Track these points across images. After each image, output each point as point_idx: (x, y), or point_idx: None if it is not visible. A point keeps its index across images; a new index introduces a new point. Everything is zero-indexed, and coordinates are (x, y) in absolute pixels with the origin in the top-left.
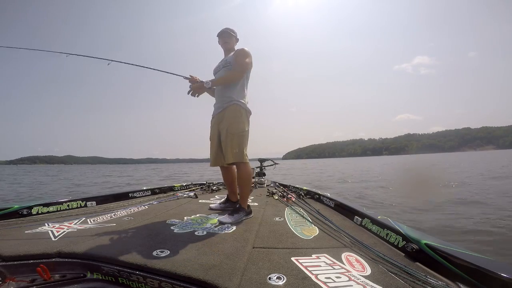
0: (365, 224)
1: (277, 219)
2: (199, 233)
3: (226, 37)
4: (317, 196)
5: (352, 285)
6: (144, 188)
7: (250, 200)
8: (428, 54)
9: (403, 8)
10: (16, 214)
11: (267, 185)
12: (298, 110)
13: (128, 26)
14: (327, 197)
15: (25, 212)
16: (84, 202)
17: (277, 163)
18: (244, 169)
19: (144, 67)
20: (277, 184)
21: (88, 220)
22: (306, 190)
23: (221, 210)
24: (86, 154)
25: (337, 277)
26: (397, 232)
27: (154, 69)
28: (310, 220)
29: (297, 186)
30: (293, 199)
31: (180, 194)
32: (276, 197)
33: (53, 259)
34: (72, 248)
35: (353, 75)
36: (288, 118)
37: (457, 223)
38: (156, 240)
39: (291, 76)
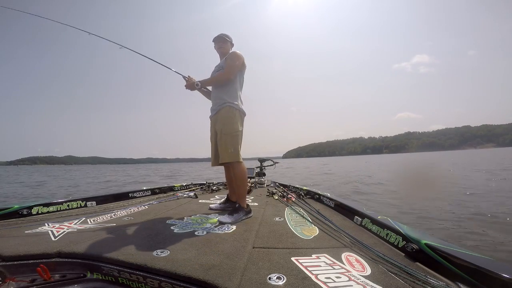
0: (365, 224)
1: (277, 219)
2: (199, 233)
3: (221, 42)
4: (317, 196)
5: (352, 285)
6: (144, 188)
7: (250, 200)
8: (428, 53)
9: (402, 7)
10: (16, 214)
11: (267, 185)
12: (298, 110)
13: (127, 25)
14: (327, 197)
15: (25, 212)
16: (84, 202)
17: (277, 162)
18: (239, 168)
19: (151, 59)
20: (277, 184)
21: (88, 220)
22: (306, 190)
23: (221, 210)
24: (86, 154)
25: (337, 277)
26: (397, 232)
27: (160, 64)
28: (310, 220)
29: (297, 186)
30: (293, 199)
31: (180, 194)
32: (276, 197)
33: (53, 259)
34: (72, 248)
35: (353, 74)
36: (288, 117)
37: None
38: (156, 240)
39: (291, 75)
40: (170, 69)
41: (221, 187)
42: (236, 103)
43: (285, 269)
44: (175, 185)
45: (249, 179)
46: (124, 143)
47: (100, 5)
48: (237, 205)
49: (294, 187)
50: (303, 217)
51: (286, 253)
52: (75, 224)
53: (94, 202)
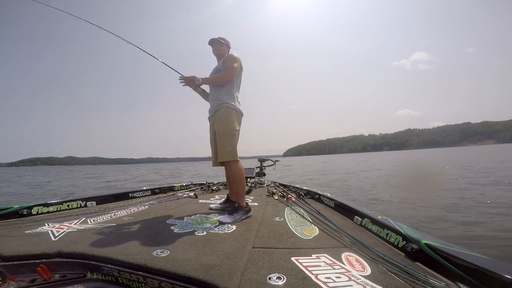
0: (365, 224)
1: (277, 219)
2: (199, 233)
3: (217, 44)
4: (317, 196)
5: (352, 285)
6: (144, 188)
7: (250, 200)
8: (426, 50)
9: (400, 4)
10: (16, 214)
11: (267, 185)
12: (298, 108)
13: (126, 24)
14: (327, 197)
15: (25, 212)
16: (84, 202)
17: (277, 160)
18: (236, 167)
19: (155, 57)
20: (277, 184)
21: (88, 220)
22: (306, 190)
23: (221, 210)
24: (87, 154)
25: (337, 277)
26: (397, 232)
27: (161, 61)
28: (310, 220)
29: (297, 186)
30: (293, 199)
31: (180, 194)
32: (276, 197)
33: (53, 259)
34: (72, 248)
35: (352, 71)
36: (288, 115)
37: None
38: (156, 240)
39: (291, 73)
40: (170, 67)
41: (221, 187)
42: (233, 103)
43: (285, 269)
44: (175, 185)
45: (249, 179)
46: (124, 143)
47: (100, 5)
48: (236, 205)
49: (294, 187)
50: (303, 217)
51: (286, 253)
52: (75, 224)
53: (94, 202)
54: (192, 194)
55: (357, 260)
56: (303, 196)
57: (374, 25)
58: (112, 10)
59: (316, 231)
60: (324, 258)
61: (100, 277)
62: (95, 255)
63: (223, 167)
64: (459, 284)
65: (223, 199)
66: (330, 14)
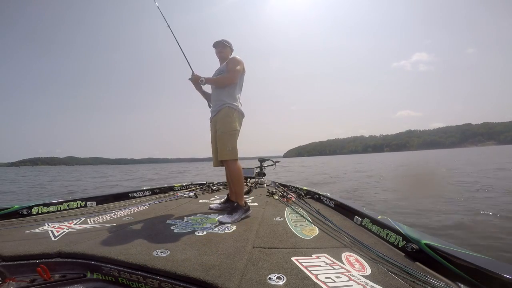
0: (365, 224)
1: (277, 219)
2: (199, 233)
3: (221, 47)
4: (317, 196)
5: (352, 285)
6: (144, 188)
7: (250, 200)
8: (427, 51)
9: (400, 5)
10: (16, 214)
11: (267, 185)
12: (298, 108)
13: (127, 25)
14: (327, 197)
15: (25, 212)
16: (84, 202)
17: (278, 161)
18: (236, 166)
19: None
20: (277, 184)
21: (88, 220)
22: (306, 190)
23: (221, 210)
24: (88, 155)
25: (337, 277)
26: (397, 232)
27: (183, 54)
28: (310, 220)
29: (297, 186)
30: (293, 199)
31: (180, 194)
32: (276, 197)
33: (53, 259)
34: (72, 248)
35: (352, 72)
36: (288, 116)
37: None
38: (156, 240)
39: (291, 74)
40: (190, 65)
41: (221, 187)
42: (235, 104)
43: (285, 269)
44: (175, 185)
45: (249, 179)
46: (124, 144)
47: (99, 5)
48: (235, 204)
49: (294, 187)
50: (303, 217)
51: (286, 253)
52: (75, 224)
53: (94, 202)
54: (192, 194)
55: (357, 260)
56: (303, 196)
57: (374, 26)
58: (112, 9)
59: (316, 231)
60: (324, 258)
61: (100, 277)
62: (95, 255)
63: (223, 167)
64: (459, 284)
65: (223, 199)
66: (330, 14)
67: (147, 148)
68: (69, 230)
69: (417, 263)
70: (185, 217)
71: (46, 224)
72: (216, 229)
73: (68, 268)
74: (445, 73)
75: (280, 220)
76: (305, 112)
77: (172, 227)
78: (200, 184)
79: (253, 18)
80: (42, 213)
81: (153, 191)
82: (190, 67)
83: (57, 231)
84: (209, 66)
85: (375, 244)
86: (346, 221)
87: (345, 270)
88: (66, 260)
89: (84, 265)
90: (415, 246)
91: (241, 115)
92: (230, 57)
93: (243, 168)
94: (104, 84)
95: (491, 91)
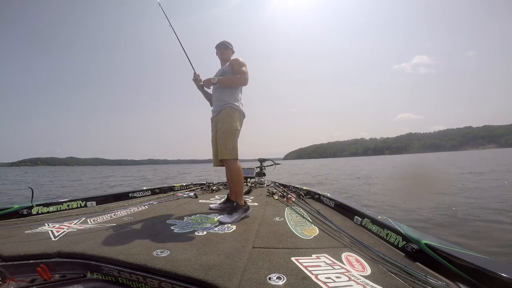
0: (365, 224)
1: (277, 219)
2: (199, 233)
3: (223, 48)
4: (317, 196)
5: (352, 285)
6: (144, 188)
7: (250, 200)
8: (427, 54)
9: (401, 8)
10: (16, 214)
11: (267, 185)
12: (299, 110)
13: (128, 25)
14: (327, 197)
15: (25, 212)
16: (84, 202)
17: (279, 163)
18: (235, 166)
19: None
20: (277, 184)
21: (88, 220)
22: (306, 190)
23: (221, 210)
24: (88, 155)
25: (337, 277)
26: (397, 232)
27: (186, 55)
28: (310, 220)
29: (297, 186)
30: (293, 199)
31: (180, 194)
32: (276, 197)
33: (53, 259)
34: (72, 248)
35: (353, 75)
36: (289, 118)
37: None
38: (156, 240)
39: (292, 76)
40: (192, 66)
41: (221, 187)
42: (236, 104)
43: (285, 269)
44: (175, 185)
45: (249, 179)
46: (125, 145)
47: (100, 5)
48: (235, 204)
49: (294, 187)
50: (303, 217)
51: (286, 253)
52: (75, 224)
53: (94, 202)
54: (192, 194)
55: (357, 260)
56: (303, 196)
57: (374, 29)
58: (113, 10)
59: (316, 231)
60: (324, 258)
61: (100, 277)
62: (95, 255)
63: (224, 167)
64: (459, 284)
65: (223, 199)
66: (330, 17)
67: (147, 149)
68: (69, 230)
69: (417, 263)
70: (185, 217)
71: (46, 224)
72: (216, 229)
73: (68, 268)
74: (446, 76)
75: (280, 220)
76: (305, 115)
77: (172, 227)
78: (200, 184)
79: (254, 19)
80: (42, 213)
81: (153, 191)
82: (192, 67)
83: (57, 231)
84: (209, 67)
85: (375, 244)
86: (346, 221)
87: (345, 270)
88: (66, 260)
89: (84, 265)
90: (415, 246)
91: (242, 115)
92: (232, 58)
93: (243, 168)
94: (104, 84)
95: (492, 94)
